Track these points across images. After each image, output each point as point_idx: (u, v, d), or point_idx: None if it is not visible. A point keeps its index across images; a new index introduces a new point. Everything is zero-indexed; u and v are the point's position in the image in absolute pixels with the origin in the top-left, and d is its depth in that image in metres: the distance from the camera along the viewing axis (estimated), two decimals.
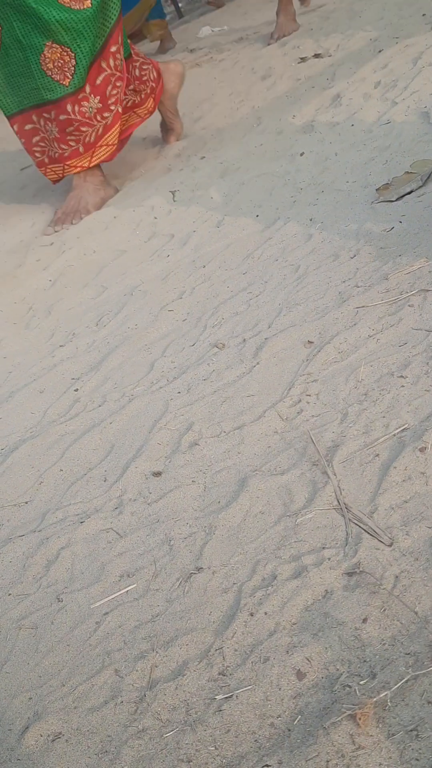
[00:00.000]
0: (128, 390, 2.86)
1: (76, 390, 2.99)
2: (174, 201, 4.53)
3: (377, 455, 2.11)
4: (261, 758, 1.50)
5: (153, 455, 2.46)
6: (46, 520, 2.36)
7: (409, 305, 2.65)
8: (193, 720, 1.62)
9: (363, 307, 2.75)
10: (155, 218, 4.40)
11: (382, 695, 1.52)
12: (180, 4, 11.96)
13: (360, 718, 1.49)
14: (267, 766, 1.49)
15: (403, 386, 2.32)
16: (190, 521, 2.15)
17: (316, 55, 6.04)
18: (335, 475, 2.10)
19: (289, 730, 1.54)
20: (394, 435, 2.15)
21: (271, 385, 2.58)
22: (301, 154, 4.36)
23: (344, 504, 2.00)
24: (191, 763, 1.54)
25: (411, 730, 1.45)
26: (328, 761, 1.45)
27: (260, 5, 9.19)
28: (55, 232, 4.71)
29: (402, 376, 2.35)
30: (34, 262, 4.43)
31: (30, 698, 1.81)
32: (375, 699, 1.51)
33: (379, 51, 5.41)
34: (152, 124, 5.91)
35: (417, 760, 1.40)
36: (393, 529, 1.88)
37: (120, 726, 1.66)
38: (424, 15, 5.75)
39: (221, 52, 7.62)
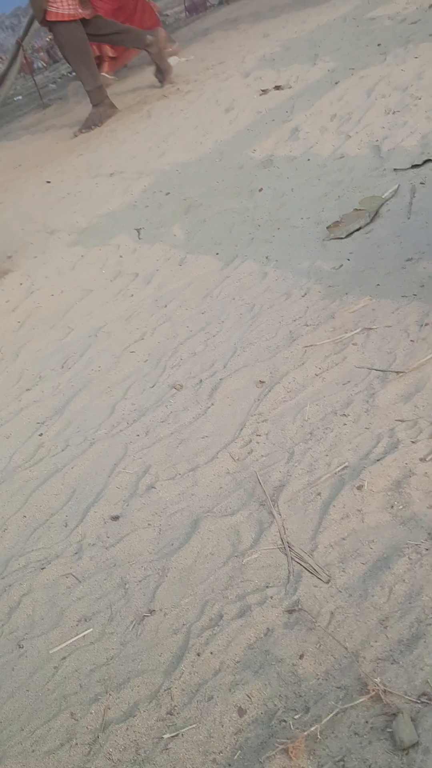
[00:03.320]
0: (90, 434, 2.97)
1: (41, 435, 3.10)
2: (139, 239, 4.65)
3: (319, 494, 2.22)
4: None
5: (112, 499, 2.57)
6: (8, 567, 2.46)
7: (353, 343, 2.77)
8: (141, 759, 1.73)
9: (311, 345, 2.87)
10: (121, 257, 4.53)
11: (313, 728, 1.63)
12: None
13: (292, 752, 1.59)
14: None
15: (345, 424, 2.44)
16: (145, 564, 2.26)
17: (277, 87, 6.19)
18: (280, 514, 2.21)
19: (230, 765, 1.65)
20: (335, 473, 2.26)
21: (224, 425, 2.70)
22: (260, 190, 4.50)
23: (287, 543, 2.11)
24: None
25: (338, 761, 1.56)
26: None
27: (227, 35, 9.38)
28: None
29: (344, 414, 2.47)
30: (3, 303, 4.55)
31: None
32: (307, 732, 1.63)
33: (336, 83, 5.57)
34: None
35: None
36: (331, 566, 1.99)
37: None
38: (379, 45, 5.91)
39: (188, 83, 7.78)
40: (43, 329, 4.06)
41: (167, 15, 15.22)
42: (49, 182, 6.60)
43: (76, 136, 7.85)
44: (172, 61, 9.18)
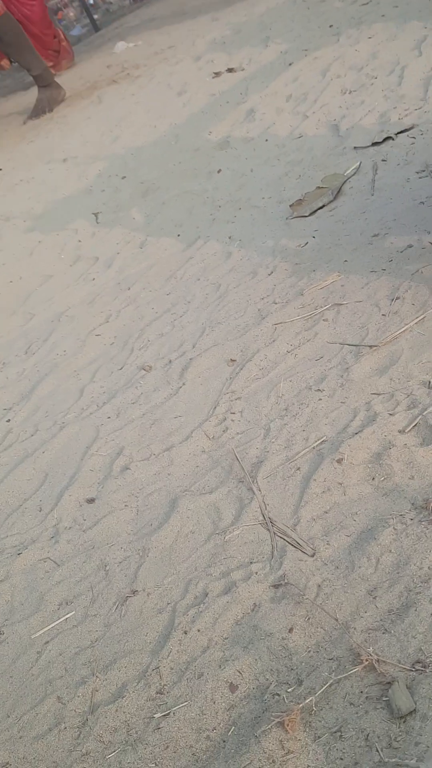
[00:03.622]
0: (59, 418, 2.92)
1: (8, 420, 3.04)
2: (97, 223, 4.59)
3: (298, 469, 2.21)
4: None
5: (86, 482, 2.53)
6: None
7: (323, 319, 2.76)
8: (133, 740, 1.70)
9: (281, 323, 2.86)
10: (79, 241, 4.47)
11: (308, 701, 1.62)
12: (95, 17, 12.00)
13: (288, 724, 1.58)
14: None
15: (320, 399, 2.42)
16: (124, 545, 2.23)
17: (230, 70, 6.15)
18: (260, 490, 2.19)
19: (224, 741, 1.63)
20: (314, 448, 2.25)
21: (197, 405, 2.67)
22: (219, 171, 4.47)
23: (269, 518, 2.09)
24: None
25: (335, 732, 1.55)
26: (260, 767, 1.54)
27: (174, 19, 9.30)
28: None
29: (319, 390, 2.46)
30: None
31: None
32: (301, 705, 1.61)
33: (290, 64, 5.54)
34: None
35: (341, 759, 1.50)
36: (315, 539, 1.98)
37: (65, 751, 1.74)
38: (331, 26, 5.90)
39: (137, 68, 7.70)
40: (3, 316, 4.00)
41: (111, 3, 15.05)
42: (0, 169, 6.49)
43: (25, 123, 7.73)
44: (120, 46, 9.08)
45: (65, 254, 4.40)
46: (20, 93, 9.50)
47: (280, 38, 6.23)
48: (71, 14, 13.46)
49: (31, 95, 8.76)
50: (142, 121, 6.07)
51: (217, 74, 6.19)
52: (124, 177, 5.12)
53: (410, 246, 2.89)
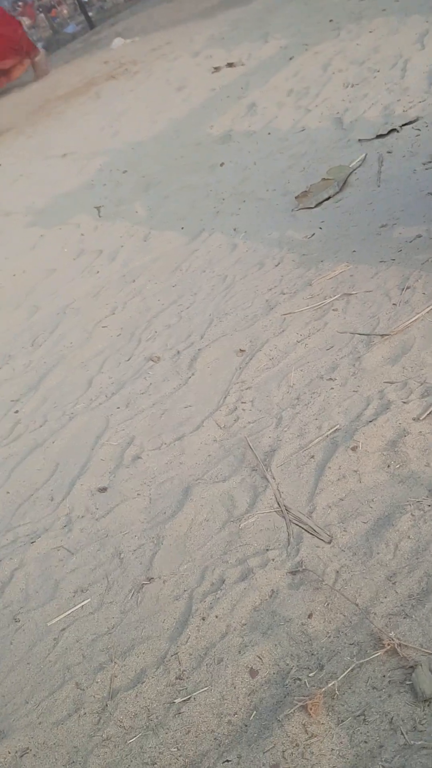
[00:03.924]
0: (68, 408, 2.92)
1: (17, 412, 3.03)
2: (99, 216, 4.59)
3: (312, 457, 2.21)
4: (221, 755, 1.59)
5: (97, 471, 2.52)
6: None
7: (333, 309, 2.76)
8: (154, 725, 1.70)
9: (290, 313, 2.85)
10: (82, 235, 4.46)
11: (330, 685, 1.61)
12: (90, 14, 11.98)
13: (311, 708, 1.58)
14: (227, 761, 1.57)
15: (332, 388, 2.42)
16: (138, 533, 2.22)
17: (229, 65, 6.14)
18: (274, 478, 2.19)
19: (246, 726, 1.62)
20: (327, 436, 2.25)
21: (207, 394, 2.67)
22: (221, 165, 4.46)
23: (284, 506, 2.09)
24: (155, 766, 1.62)
25: (359, 716, 1.55)
26: (283, 751, 1.54)
27: (171, 14, 9.30)
28: None
29: (331, 379, 2.46)
30: None
31: None
32: (324, 689, 1.61)
33: (290, 58, 5.54)
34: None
35: (365, 742, 1.50)
36: (331, 526, 1.98)
37: (85, 736, 1.73)
38: (331, 21, 5.90)
39: (135, 64, 7.69)
40: (7, 309, 3.99)
41: (105, 0, 15.02)
42: None
43: None
44: (117, 42, 9.08)
45: (68, 248, 4.39)
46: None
47: (280, 33, 6.23)
48: (65, 12, 13.45)
49: (28, 92, 8.75)
50: (141, 116, 6.07)
51: (217, 69, 6.19)
52: (125, 171, 5.11)
53: (419, 236, 2.89)
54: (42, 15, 13.06)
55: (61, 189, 5.33)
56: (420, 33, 4.76)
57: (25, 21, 12.20)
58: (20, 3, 12.98)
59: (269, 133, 4.54)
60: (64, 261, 4.25)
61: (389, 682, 1.59)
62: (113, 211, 4.58)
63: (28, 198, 5.41)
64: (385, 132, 3.79)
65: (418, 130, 3.66)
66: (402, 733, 1.49)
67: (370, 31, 5.27)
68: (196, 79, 6.25)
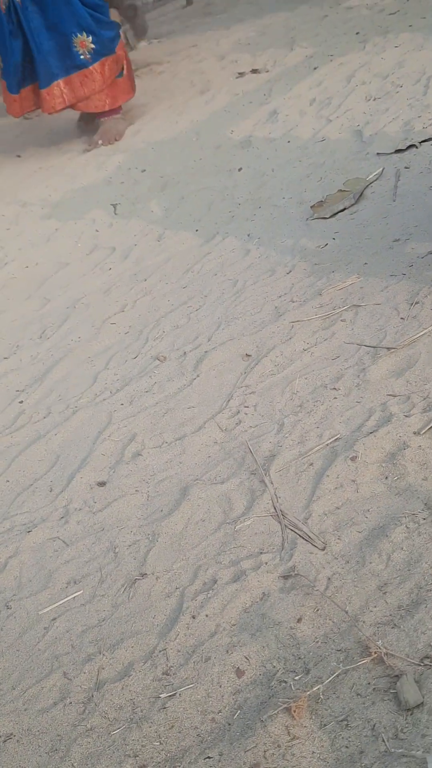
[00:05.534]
0: (72, 402, 2.94)
1: (21, 402, 3.06)
2: (115, 214, 4.61)
3: (311, 464, 2.23)
4: (203, 751, 1.60)
5: (97, 466, 2.55)
6: None
7: (341, 320, 2.78)
8: (138, 718, 1.72)
9: (298, 321, 2.87)
10: (97, 231, 4.48)
11: (315, 689, 1.63)
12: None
13: (295, 711, 1.60)
14: (208, 758, 1.59)
15: (335, 398, 2.44)
16: (134, 529, 2.24)
17: (254, 71, 6.17)
18: (272, 483, 2.21)
19: (229, 724, 1.64)
20: (327, 445, 2.27)
21: (211, 396, 2.69)
22: (239, 170, 4.49)
23: (280, 511, 2.11)
24: (137, 758, 1.64)
25: (341, 720, 1.57)
26: (265, 751, 1.56)
27: (197, 19, 9.32)
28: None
29: (335, 388, 2.48)
30: None
31: None
32: (309, 692, 1.63)
33: (314, 68, 5.57)
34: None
35: (347, 747, 1.52)
36: (326, 534, 2.00)
37: (69, 725, 1.75)
38: (357, 33, 5.93)
39: (160, 64, 7.72)
40: (18, 300, 4.01)
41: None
42: (19, 156, 6.50)
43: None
44: (142, 42, 9.10)
45: (82, 243, 4.41)
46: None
47: (306, 42, 6.25)
48: None
49: None
50: (163, 116, 6.09)
51: (241, 74, 6.21)
52: (144, 170, 5.13)
53: (431, 253, 2.91)
54: None
55: (78, 183, 5.35)
56: None
57: None
58: None
59: (289, 141, 4.56)
60: (77, 255, 4.28)
61: (374, 689, 1.61)
62: (129, 209, 4.60)
63: (45, 191, 5.43)
64: (404, 147, 3.81)
65: None
66: (383, 740, 1.50)
67: (396, 46, 5.29)
68: (219, 83, 6.27)
